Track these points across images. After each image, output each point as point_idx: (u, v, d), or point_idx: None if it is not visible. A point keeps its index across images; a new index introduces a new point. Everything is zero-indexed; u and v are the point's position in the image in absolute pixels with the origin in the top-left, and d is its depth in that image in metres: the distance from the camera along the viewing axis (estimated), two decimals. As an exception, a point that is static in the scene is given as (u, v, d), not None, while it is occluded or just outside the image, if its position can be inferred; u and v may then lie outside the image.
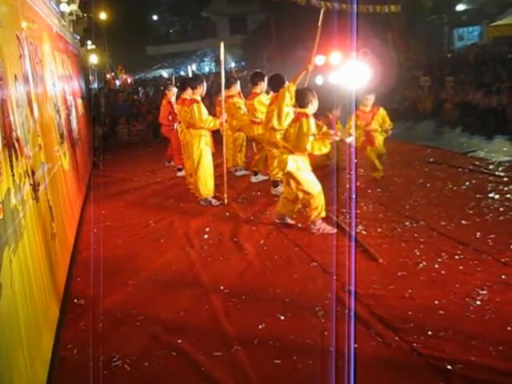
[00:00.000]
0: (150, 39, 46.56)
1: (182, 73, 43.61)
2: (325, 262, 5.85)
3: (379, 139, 9.22)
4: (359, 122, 9.09)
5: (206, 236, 7.09)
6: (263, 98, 9.01)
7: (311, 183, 6.77)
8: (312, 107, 6.66)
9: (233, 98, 10.09)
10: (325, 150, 6.63)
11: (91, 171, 12.04)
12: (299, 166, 6.74)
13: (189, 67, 11.93)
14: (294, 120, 6.77)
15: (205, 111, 8.45)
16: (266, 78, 9.12)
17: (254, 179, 9.84)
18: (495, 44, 21.10)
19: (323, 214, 6.83)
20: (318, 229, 6.78)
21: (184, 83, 9.40)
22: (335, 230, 6.72)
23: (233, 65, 40.90)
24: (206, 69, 45.10)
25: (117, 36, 36.61)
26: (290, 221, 7.21)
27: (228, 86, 10.03)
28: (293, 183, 6.81)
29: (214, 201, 8.63)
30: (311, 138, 6.49)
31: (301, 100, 6.70)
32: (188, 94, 9.00)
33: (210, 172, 8.59)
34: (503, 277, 5.18)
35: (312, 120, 6.57)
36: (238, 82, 10.62)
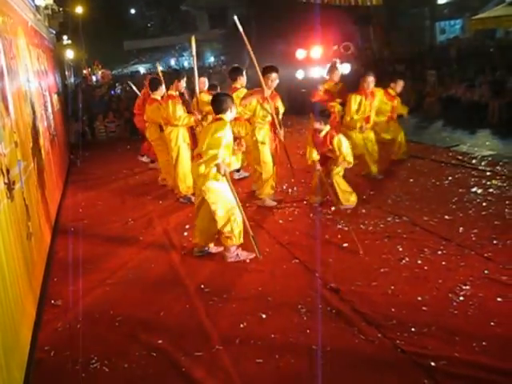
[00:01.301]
0: (127, 34, 46.12)
1: (161, 68, 43.34)
2: (306, 259, 5.80)
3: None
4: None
5: (185, 233, 7.00)
6: (242, 93, 8.90)
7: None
8: (230, 114, 5.95)
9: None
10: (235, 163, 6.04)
11: (68, 168, 11.88)
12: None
13: (158, 64, 11.62)
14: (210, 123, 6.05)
15: (179, 108, 8.33)
16: (244, 73, 9.03)
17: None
18: (477, 37, 21.18)
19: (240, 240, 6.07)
20: (234, 255, 6.05)
21: (154, 82, 9.26)
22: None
23: (212, 59, 40.76)
24: (185, 63, 44.75)
25: (93, 31, 36.24)
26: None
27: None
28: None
29: (193, 198, 8.52)
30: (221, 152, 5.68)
31: (218, 106, 5.91)
32: (158, 93, 9.10)
33: (188, 169, 8.48)
34: (486, 272, 5.16)
35: (227, 128, 5.80)
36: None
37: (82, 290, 5.45)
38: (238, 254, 6.02)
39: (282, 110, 7.94)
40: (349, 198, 7.44)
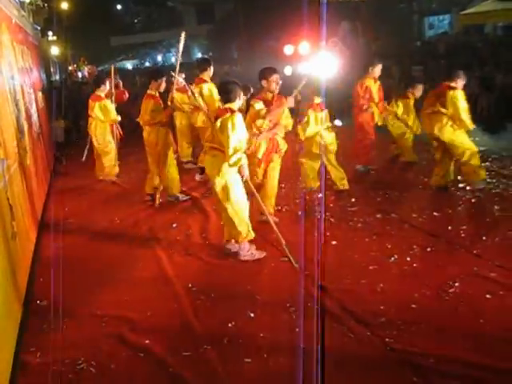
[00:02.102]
0: (114, 30, 45.87)
1: (148, 64, 43.15)
2: (295, 257, 5.75)
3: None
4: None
5: (173, 232, 6.96)
6: (211, 87, 8.72)
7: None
8: (239, 102, 5.89)
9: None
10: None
11: (54, 167, 11.75)
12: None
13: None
14: (216, 117, 5.85)
15: (151, 107, 8.13)
16: (212, 65, 8.90)
17: (197, 177, 9.61)
18: (466, 33, 21.23)
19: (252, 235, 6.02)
20: (246, 254, 5.98)
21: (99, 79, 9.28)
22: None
23: (199, 55, 40.58)
24: (173, 59, 44.56)
25: (79, 26, 35.99)
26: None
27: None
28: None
29: (181, 196, 8.46)
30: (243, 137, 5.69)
31: (225, 94, 5.85)
32: (101, 90, 9.81)
33: (174, 167, 8.40)
34: (475, 269, 5.17)
35: (239, 116, 5.72)
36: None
37: (68, 290, 5.34)
38: (252, 253, 5.96)
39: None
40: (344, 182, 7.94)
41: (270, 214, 6.47)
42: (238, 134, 5.55)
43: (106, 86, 10.21)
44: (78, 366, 4.14)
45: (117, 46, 46.53)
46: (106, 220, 7.74)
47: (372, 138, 9.14)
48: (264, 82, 6.59)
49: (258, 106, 6.52)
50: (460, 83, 7.44)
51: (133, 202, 8.60)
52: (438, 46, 19.49)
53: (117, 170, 10.55)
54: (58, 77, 27.95)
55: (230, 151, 5.49)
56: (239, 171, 5.69)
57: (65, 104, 15.39)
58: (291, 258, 5.68)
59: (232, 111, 5.67)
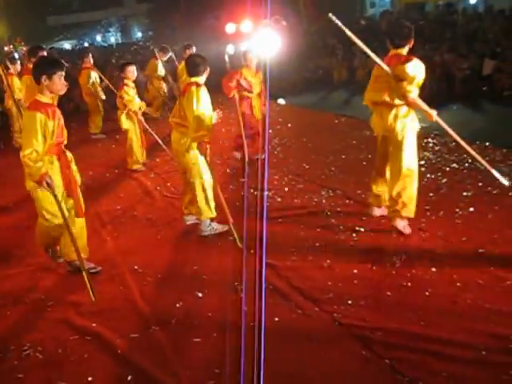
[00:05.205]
0: (51, 9, 44.48)
1: (86, 44, 41.99)
2: (241, 235, 5.72)
3: None
4: None
5: (117, 214, 6.85)
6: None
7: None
8: (204, 76, 5.82)
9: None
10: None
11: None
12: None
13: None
14: (183, 91, 5.82)
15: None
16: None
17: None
18: (407, 10, 21.52)
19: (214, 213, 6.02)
20: (207, 229, 5.99)
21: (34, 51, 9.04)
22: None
23: (139, 35, 39.85)
24: (112, 39, 43.63)
25: (14, 5, 34.74)
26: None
27: None
28: None
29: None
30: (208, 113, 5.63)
31: (192, 68, 5.80)
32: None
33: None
34: (421, 243, 5.26)
35: (205, 90, 5.70)
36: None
37: (10, 275, 5.27)
38: (213, 228, 5.97)
39: None
40: None
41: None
42: (202, 107, 5.51)
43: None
44: (24, 352, 4.06)
45: (54, 25, 45.17)
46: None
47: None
48: None
49: None
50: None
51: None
52: (381, 24, 19.65)
53: None
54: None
55: (194, 125, 5.46)
56: (199, 148, 5.60)
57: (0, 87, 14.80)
58: (236, 238, 5.66)
59: (198, 85, 5.64)
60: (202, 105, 5.51)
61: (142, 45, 29.54)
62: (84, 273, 4.76)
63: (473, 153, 5.57)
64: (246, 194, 6.99)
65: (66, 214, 4.79)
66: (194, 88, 5.56)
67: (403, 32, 5.56)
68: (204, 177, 5.77)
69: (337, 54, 16.82)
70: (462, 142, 5.51)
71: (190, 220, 6.21)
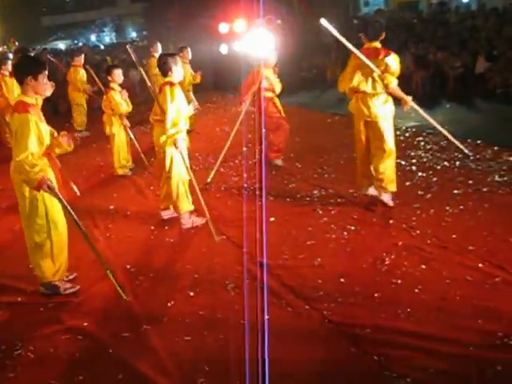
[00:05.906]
0: (45, 9, 44.39)
1: (81, 44, 41.87)
2: (233, 234, 5.77)
3: None
4: None
5: (110, 214, 6.85)
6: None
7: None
8: (175, 74, 5.90)
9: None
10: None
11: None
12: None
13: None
14: (159, 91, 6.03)
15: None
16: None
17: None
18: (401, 10, 21.57)
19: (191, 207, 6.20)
20: (188, 222, 6.18)
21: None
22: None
23: (134, 34, 39.79)
24: (107, 39, 43.53)
25: (8, 6, 34.65)
26: None
27: None
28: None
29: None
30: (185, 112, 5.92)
31: (161, 68, 5.94)
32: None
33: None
34: (410, 241, 5.28)
35: (178, 89, 5.87)
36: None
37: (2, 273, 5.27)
38: (193, 221, 6.16)
39: None
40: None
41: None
42: (176, 106, 5.72)
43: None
44: (15, 352, 4.07)
45: (48, 26, 45.08)
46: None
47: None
48: None
49: None
50: None
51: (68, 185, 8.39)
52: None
53: None
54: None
55: (168, 122, 5.68)
56: (175, 144, 5.79)
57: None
58: (214, 233, 5.74)
59: (171, 84, 5.82)
60: (176, 104, 5.73)
61: (136, 44, 29.48)
62: (108, 273, 4.74)
63: (437, 126, 6.87)
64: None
65: (78, 220, 4.76)
66: (167, 88, 5.78)
67: (375, 27, 6.12)
68: (180, 172, 5.96)
69: (330, 53, 16.84)
70: (432, 120, 6.80)
71: (167, 215, 6.45)
